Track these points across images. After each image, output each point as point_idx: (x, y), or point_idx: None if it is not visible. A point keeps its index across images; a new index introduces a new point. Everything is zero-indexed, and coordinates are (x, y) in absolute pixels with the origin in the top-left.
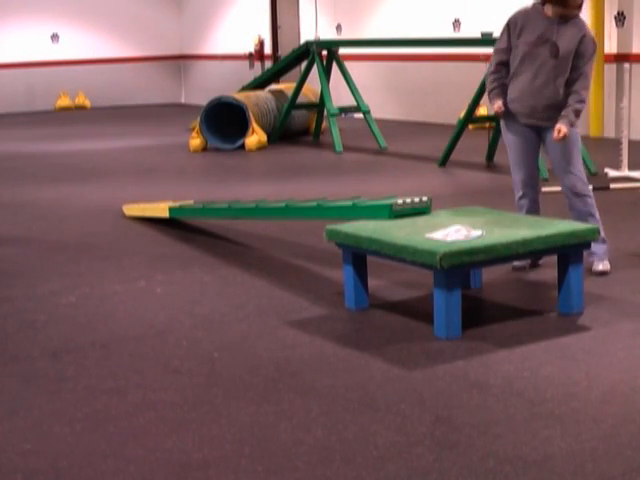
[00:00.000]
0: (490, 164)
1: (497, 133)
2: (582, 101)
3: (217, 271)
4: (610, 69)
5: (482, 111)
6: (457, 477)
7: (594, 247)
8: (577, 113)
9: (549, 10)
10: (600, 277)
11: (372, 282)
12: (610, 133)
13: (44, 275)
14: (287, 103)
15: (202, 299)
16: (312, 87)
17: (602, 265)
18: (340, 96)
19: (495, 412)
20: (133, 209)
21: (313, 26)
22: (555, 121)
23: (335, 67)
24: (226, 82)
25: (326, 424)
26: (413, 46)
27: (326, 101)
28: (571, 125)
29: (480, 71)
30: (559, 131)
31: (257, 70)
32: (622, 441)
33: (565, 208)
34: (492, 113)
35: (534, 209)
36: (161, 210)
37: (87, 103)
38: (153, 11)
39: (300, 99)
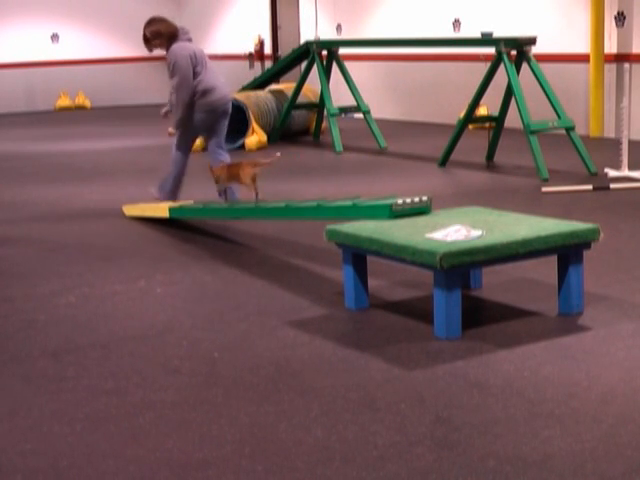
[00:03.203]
0: (490, 164)
1: (497, 133)
2: (178, 107)
3: (217, 271)
4: (610, 69)
5: (482, 111)
6: (457, 477)
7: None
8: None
9: None
10: (601, 278)
11: (372, 282)
12: (610, 133)
13: (44, 275)
14: (287, 103)
15: (202, 299)
16: (312, 87)
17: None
18: (340, 96)
19: (495, 412)
20: (133, 209)
21: (313, 26)
22: None
23: (335, 67)
24: (226, 82)
25: (326, 424)
26: (413, 46)
27: (326, 101)
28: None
29: (480, 71)
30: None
31: (257, 70)
32: (622, 441)
33: (565, 208)
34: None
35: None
36: (161, 210)
37: (87, 103)
38: (153, 11)
39: (300, 99)
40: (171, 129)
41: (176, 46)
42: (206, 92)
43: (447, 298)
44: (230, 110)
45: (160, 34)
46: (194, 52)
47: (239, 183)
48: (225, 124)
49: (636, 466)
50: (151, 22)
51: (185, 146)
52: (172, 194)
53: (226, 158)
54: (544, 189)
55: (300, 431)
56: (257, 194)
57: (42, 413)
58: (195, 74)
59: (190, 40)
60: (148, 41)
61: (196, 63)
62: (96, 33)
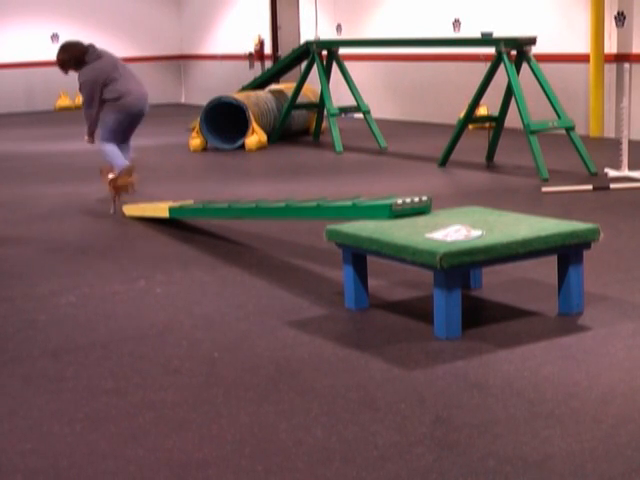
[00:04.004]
0: (490, 164)
1: (497, 133)
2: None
3: (217, 271)
4: (610, 69)
5: (482, 111)
6: (457, 477)
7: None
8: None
9: None
10: (601, 278)
11: (372, 282)
12: (610, 133)
13: (44, 275)
14: (287, 103)
15: (202, 299)
16: (312, 87)
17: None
18: (340, 96)
19: (495, 412)
20: (133, 209)
21: (313, 26)
22: None
23: (335, 67)
24: (226, 82)
25: (326, 424)
26: (413, 46)
27: (326, 101)
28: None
29: (480, 71)
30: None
31: (257, 70)
32: (622, 441)
33: (565, 208)
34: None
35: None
36: (161, 210)
37: None
38: (153, 11)
39: (300, 99)
40: (87, 137)
41: (85, 69)
42: (120, 97)
43: (447, 298)
44: (146, 110)
45: (69, 61)
46: (103, 69)
47: (123, 192)
48: (137, 125)
49: (636, 466)
50: (62, 49)
51: (114, 138)
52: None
53: (127, 158)
54: (544, 189)
55: (300, 431)
56: (116, 200)
57: (42, 413)
58: (111, 81)
59: (99, 57)
60: (62, 66)
61: (107, 75)
62: (96, 33)
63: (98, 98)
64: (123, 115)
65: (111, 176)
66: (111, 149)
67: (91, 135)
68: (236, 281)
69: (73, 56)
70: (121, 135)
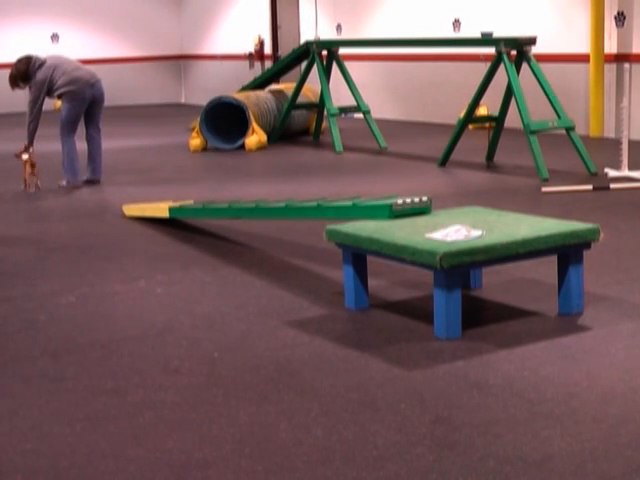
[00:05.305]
0: (490, 164)
1: (497, 133)
2: (27, 127)
3: (217, 271)
4: (610, 69)
5: (482, 111)
6: (457, 477)
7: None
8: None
9: None
10: (601, 278)
11: (372, 282)
12: (610, 133)
13: (44, 275)
14: (287, 103)
15: (202, 299)
16: (312, 87)
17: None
18: (340, 96)
19: (495, 412)
20: (133, 209)
21: (313, 26)
22: None
23: (335, 67)
24: (226, 82)
25: (326, 424)
26: (413, 46)
27: (326, 101)
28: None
29: (480, 71)
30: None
31: (257, 70)
32: (622, 441)
33: (565, 208)
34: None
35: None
36: (161, 210)
37: None
38: (153, 11)
39: (300, 99)
40: (24, 149)
41: (34, 78)
42: (69, 83)
43: (447, 298)
44: (101, 93)
45: (16, 79)
46: (47, 72)
47: (30, 174)
48: (98, 111)
49: (636, 466)
50: (13, 68)
51: (69, 131)
52: (74, 172)
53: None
54: (544, 189)
55: (300, 431)
56: (27, 183)
57: (42, 413)
58: (58, 78)
59: (42, 65)
60: (13, 84)
61: (52, 75)
62: (96, 33)
63: (43, 100)
64: (78, 102)
65: (25, 157)
66: (69, 153)
67: (31, 143)
68: (236, 281)
69: (22, 72)
70: (78, 125)
